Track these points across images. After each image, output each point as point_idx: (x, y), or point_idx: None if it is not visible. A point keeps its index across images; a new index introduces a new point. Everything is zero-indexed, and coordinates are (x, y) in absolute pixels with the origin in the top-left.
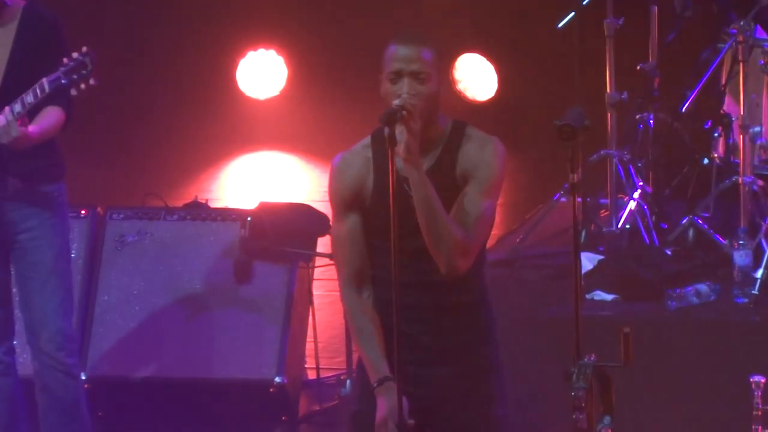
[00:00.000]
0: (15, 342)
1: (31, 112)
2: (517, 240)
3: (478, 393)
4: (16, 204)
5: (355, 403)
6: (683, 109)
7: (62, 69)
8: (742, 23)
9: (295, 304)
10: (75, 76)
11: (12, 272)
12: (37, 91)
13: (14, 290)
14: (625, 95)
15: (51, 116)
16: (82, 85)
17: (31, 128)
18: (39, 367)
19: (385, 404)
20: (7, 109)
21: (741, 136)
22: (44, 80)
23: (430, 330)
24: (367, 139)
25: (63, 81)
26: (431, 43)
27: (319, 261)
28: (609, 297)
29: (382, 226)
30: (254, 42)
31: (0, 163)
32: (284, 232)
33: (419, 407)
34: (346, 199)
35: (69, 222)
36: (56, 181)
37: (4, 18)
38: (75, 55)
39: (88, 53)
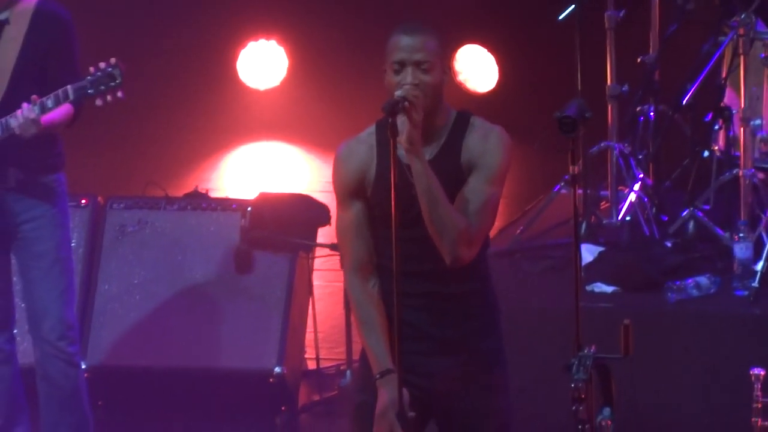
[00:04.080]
0: (15, 330)
1: None
2: (518, 231)
3: (482, 383)
4: (17, 195)
5: (359, 394)
6: (684, 102)
7: (90, 78)
8: (743, 16)
9: (296, 294)
10: (102, 87)
11: (13, 262)
12: (60, 96)
13: (15, 279)
14: (625, 87)
15: (61, 108)
16: (109, 97)
17: (42, 117)
18: (40, 355)
19: (386, 395)
20: (26, 107)
21: (741, 129)
22: (69, 87)
23: (434, 319)
24: (372, 128)
25: (90, 90)
26: (435, 33)
27: (319, 251)
28: (609, 289)
29: (384, 214)
30: (255, 32)
31: (2, 154)
32: (285, 222)
33: (422, 397)
34: (349, 187)
35: (69, 212)
36: (56, 171)
37: (17, 13)
38: (103, 65)
39: (118, 65)
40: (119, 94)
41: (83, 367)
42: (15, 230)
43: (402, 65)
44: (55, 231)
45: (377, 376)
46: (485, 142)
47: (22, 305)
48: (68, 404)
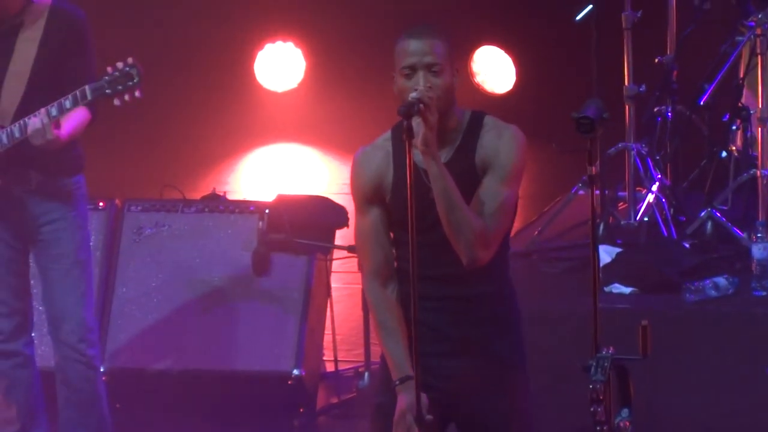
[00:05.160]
0: (33, 334)
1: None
2: (535, 232)
3: (502, 384)
4: (37, 197)
5: (378, 396)
6: (701, 102)
7: (107, 78)
8: (760, 16)
9: (314, 296)
10: (120, 87)
11: (32, 265)
12: (78, 97)
13: (32, 282)
14: (643, 88)
15: (79, 117)
16: (127, 97)
17: (63, 131)
18: (60, 359)
19: (405, 399)
20: (43, 111)
21: (759, 129)
22: (87, 87)
23: (452, 321)
24: (387, 133)
25: (107, 90)
26: (442, 35)
27: (337, 253)
28: (627, 290)
29: (403, 219)
30: (272, 34)
31: (23, 157)
32: (302, 224)
33: (442, 399)
34: (367, 193)
35: (88, 214)
36: (76, 173)
37: (32, 14)
38: (120, 65)
39: (135, 64)
40: (137, 93)
41: (101, 370)
42: (34, 233)
43: (413, 69)
44: (74, 233)
45: (397, 382)
46: (499, 142)
47: (41, 308)
48: (87, 407)
